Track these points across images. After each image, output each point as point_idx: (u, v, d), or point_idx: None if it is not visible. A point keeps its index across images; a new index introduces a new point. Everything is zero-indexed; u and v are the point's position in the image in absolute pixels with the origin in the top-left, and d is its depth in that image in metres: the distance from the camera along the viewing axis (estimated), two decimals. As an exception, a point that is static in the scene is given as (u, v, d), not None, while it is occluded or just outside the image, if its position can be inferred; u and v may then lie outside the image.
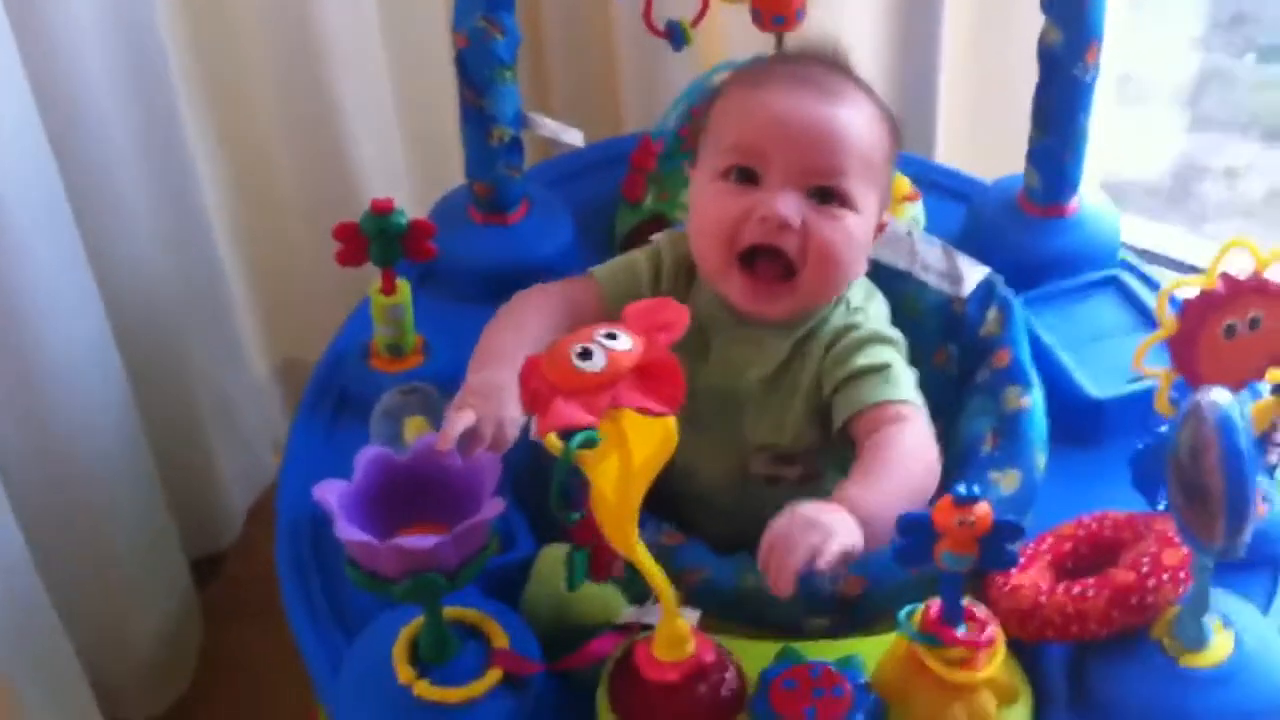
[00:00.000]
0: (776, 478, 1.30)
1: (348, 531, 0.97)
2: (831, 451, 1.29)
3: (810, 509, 1.07)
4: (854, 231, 1.24)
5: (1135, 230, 2.30)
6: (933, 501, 1.04)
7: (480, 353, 1.26)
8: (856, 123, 1.24)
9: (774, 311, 1.25)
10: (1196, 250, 2.27)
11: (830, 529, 1.05)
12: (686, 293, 1.33)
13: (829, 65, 1.30)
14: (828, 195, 1.23)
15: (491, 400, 1.14)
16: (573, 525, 1.09)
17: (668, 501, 1.25)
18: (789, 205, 1.21)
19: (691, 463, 1.28)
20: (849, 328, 1.27)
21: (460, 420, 1.11)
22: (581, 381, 0.93)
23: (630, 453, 0.97)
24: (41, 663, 1.47)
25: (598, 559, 1.13)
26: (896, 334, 1.30)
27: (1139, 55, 2.58)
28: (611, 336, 0.95)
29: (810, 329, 1.28)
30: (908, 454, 1.18)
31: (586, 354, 0.94)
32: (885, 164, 1.28)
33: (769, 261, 1.24)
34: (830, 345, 1.27)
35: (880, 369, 1.24)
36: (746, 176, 1.24)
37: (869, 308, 1.30)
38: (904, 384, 1.24)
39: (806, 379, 1.27)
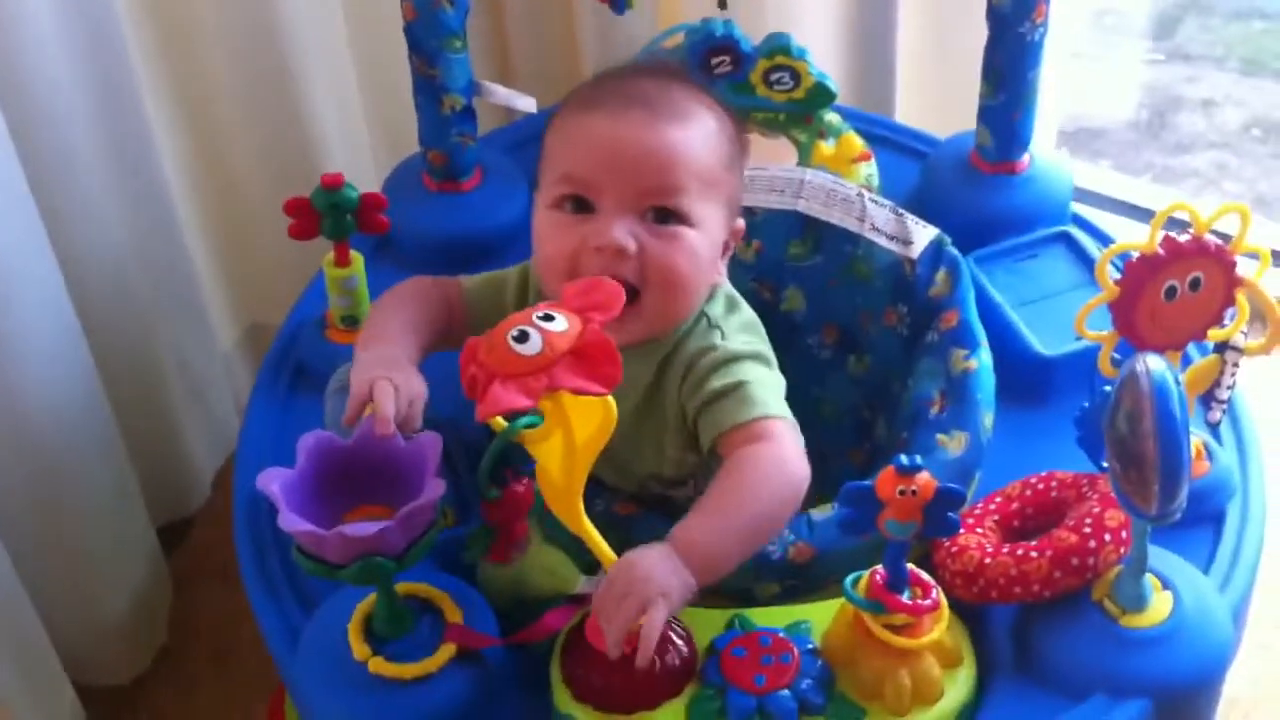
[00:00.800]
0: (668, 497, 1.29)
1: (292, 522, 0.98)
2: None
3: (642, 563, 1.06)
4: (695, 248, 1.21)
5: (1099, 179, 2.32)
6: (875, 472, 1.05)
7: (367, 332, 1.26)
8: (690, 139, 1.21)
9: (623, 337, 1.16)
10: (1160, 199, 2.28)
11: (652, 595, 1.05)
12: None
13: (662, 77, 1.27)
14: (664, 216, 1.20)
15: (397, 373, 1.15)
16: (490, 502, 1.11)
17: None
18: (622, 232, 1.18)
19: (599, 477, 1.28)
20: (704, 350, 1.23)
21: (387, 396, 1.12)
22: (518, 365, 0.94)
23: (573, 431, 0.99)
24: (7, 633, 1.48)
25: (501, 541, 1.14)
26: (756, 347, 1.25)
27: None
28: (548, 318, 0.96)
29: (671, 350, 1.24)
30: (756, 481, 1.14)
31: (523, 336, 0.95)
32: (727, 174, 1.25)
33: None
34: (688, 369, 1.23)
35: (736, 388, 1.19)
36: (581, 205, 1.21)
37: (728, 323, 1.26)
38: (761, 400, 1.19)
39: (671, 407, 1.24)
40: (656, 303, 1.21)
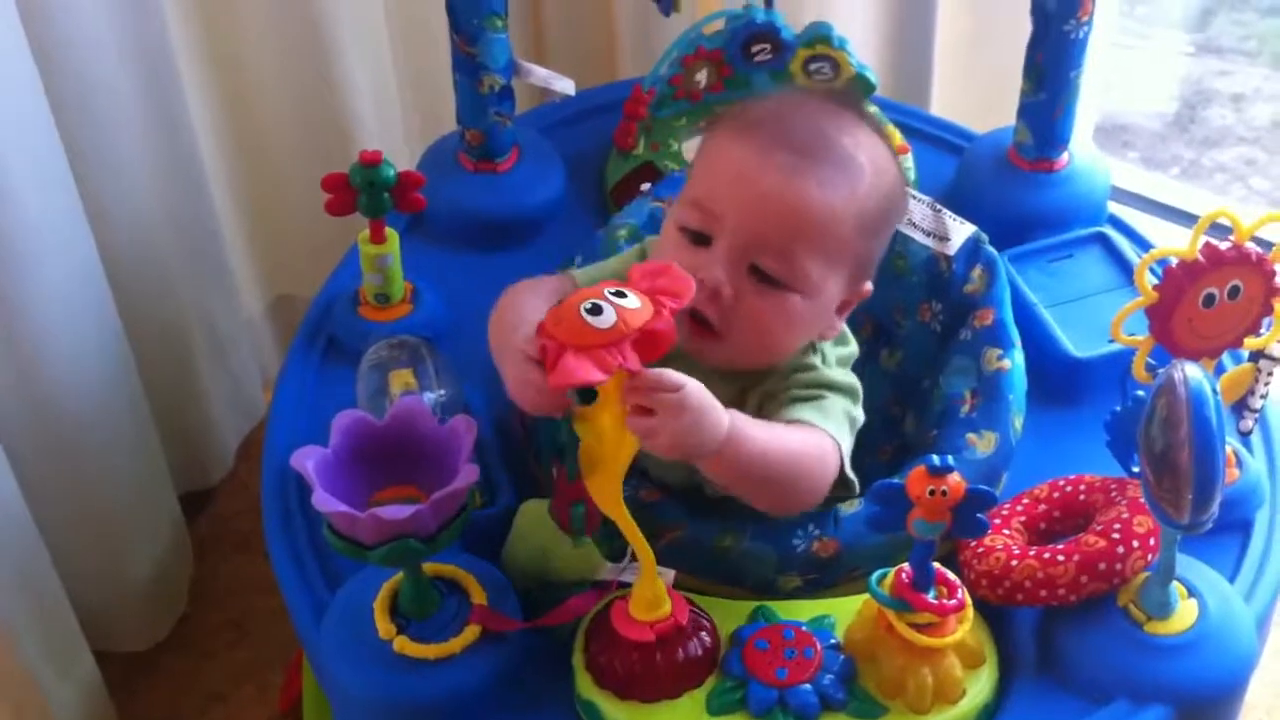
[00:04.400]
0: (701, 488, 1.26)
1: (326, 502, 0.98)
2: None
3: (708, 399, 1.05)
4: (795, 313, 1.18)
5: (1131, 177, 2.30)
6: (904, 468, 1.05)
7: (508, 323, 1.19)
8: (829, 202, 1.16)
9: (705, 358, 1.18)
10: (1192, 198, 2.27)
11: (703, 431, 1.03)
12: None
13: (826, 115, 1.22)
14: (774, 274, 1.16)
15: None
16: (575, 481, 1.10)
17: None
18: (724, 277, 1.15)
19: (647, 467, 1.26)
20: (800, 367, 1.22)
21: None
22: (592, 337, 0.94)
23: (623, 414, 0.99)
24: (30, 597, 1.49)
25: (591, 514, 1.14)
26: (852, 382, 1.23)
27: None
28: (620, 295, 0.96)
29: (761, 375, 1.22)
30: (805, 441, 1.14)
31: (596, 309, 0.94)
32: (862, 239, 1.20)
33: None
34: (777, 379, 1.21)
35: (818, 397, 1.19)
36: (700, 238, 1.18)
37: (830, 352, 1.25)
38: (832, 417, 1.18)
39: (751, 408, 1.20)
40: (740, 347, 1.19)
